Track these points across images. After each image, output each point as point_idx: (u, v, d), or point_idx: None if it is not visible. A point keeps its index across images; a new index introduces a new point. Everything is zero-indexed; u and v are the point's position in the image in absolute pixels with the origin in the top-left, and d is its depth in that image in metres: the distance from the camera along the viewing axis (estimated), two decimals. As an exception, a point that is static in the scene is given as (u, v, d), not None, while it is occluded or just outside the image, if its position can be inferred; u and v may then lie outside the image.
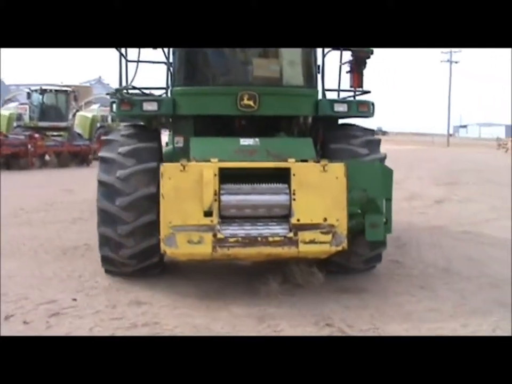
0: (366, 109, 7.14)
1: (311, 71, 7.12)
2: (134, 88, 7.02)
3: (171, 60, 7.08)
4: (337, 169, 5.86)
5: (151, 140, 6.76)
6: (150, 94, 7.54)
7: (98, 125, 30.42)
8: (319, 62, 7.19)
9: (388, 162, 6.76)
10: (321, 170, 5.83)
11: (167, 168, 5.66)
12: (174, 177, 5.61)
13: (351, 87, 7.38)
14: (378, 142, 7.11)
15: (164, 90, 7.64)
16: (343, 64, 7.35)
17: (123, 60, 6.76)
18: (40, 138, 24.07)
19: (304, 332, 5.26)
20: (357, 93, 7.56)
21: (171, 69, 7.05)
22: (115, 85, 7.56)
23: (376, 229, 6.08)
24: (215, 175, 5.65)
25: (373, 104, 7.19)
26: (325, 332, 5.29)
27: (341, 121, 7.59)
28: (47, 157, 24.94)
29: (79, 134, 27.71)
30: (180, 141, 6.96)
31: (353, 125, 7.38)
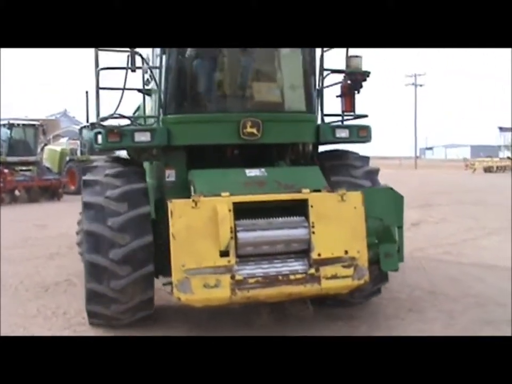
0: (366, 134, 6.84)
1: (311, 95, 6.66)
2: (122, 116, 6.33)
3: (162, 84, 6.23)
4: (355, 198, 5.55)
5: (141, 179, 6.19)
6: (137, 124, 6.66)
7: (67, 158, 30.11)
8: (317, 84, 6.80)
9: None
10: (339, 200, 5.50)
11: (176, 205, 5.14)
12: (185, 215, 5.11)
13: (342, 111, 7.02)
14: (377, 171, 6.82)
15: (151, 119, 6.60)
16: (336, 84, 6.99)
17: (101, 89, 6.15)
18: (10, 174, 23.74)
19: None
20: (348, 117, 7.13)
21: (161, 94, 6.24)
22: (81, 117, 7.26)
23: (391, 259, 5.81)
24: (230, 210, 5.21)
25: (370, 128, 6.91)
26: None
27: (332, 146, 7.25)
28: (17, 192, 24.57)
29: (48, 168, 27.37)
30: (171, 175, 6.31)
31: (349, 152, 6.99)
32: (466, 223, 14.58)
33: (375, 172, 6.74)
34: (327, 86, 6.93)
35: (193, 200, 5.15)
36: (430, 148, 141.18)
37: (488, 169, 48.07)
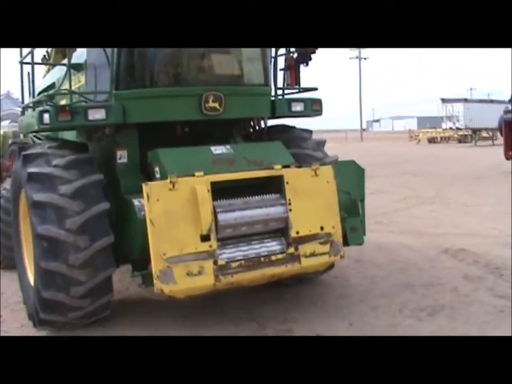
0: (319, 107, 6.77)
1: (267, 68, 6.42)
2: (73, 92, 5.71)
3: (115, 55, 5.56)
4: (327, 172, 5.41)
5: (95, 168, 5.53)
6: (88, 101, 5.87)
7: (10, 141, 29.61)
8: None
9: None
10: (312, 175, 5.34)
11: (153, 188, 4.75)
12: (162, 198, 4.74)
13: (287, 84, 6.89)
14: (324, 143, 6.85)
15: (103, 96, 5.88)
16: (283, 56, 6.83)
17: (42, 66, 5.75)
18: (-49, 159, 23.34)
19: (228, 331, 5.50)
20: (298, 90, 7.04)
21: (114, 66, 5.57)
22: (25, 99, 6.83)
23: (356, 233, 5.77)
24: (208, 190, 4.91)
25: (321, 102, 6.81)
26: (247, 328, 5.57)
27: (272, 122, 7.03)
28: (-42, 177, 24.19)
29: (-11, 152, 26.92)
30: (123, 156, 5.78)
31: (293, 127, 6.89)
32: (402, 193, 15.04)
33: (322, 143, 6.80)
34: (274, 58, 6.67)
35: (170, 182, 4.79)
36: (377, 120, 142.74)
37: (432, 140, 49.01)
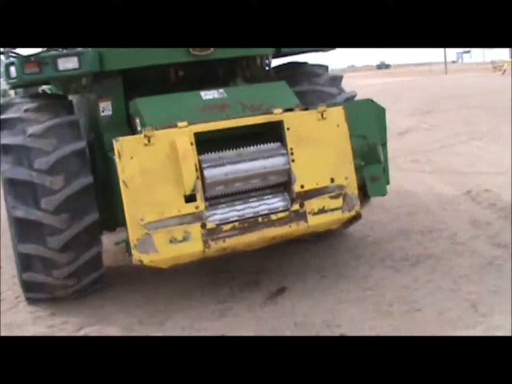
0: None
1: None
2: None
3: None
4: (337, 114, 4.65)
5: (70, 111, 5.24)
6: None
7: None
8: None
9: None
10: (319, 119, 4.59)
11: (125, 144, 4.15)
12: (137, 155, 4.14)
13: None
14: (340, 78, 6.11)
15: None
16: None
17: None
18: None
19: (200, 281, 5.29)
20: None
21: None
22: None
23: (378, 182, 5.08)
24: (192, 143, 4.27)
25: None
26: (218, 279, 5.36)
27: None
28: None
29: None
30: (106, 108, 5.21)
31: (304, 63, 6.17)
32: (456, 128, 14.16)
33: (338, 79, 6.04)
34: None
35: (145, 136, 4.15)
36: (468, 51, 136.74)
37: (520, 71, 46.29)
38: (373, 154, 5.00)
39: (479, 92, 26.52)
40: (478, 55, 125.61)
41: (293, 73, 5.83)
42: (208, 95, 4.86)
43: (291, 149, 4.52)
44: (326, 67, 6.15)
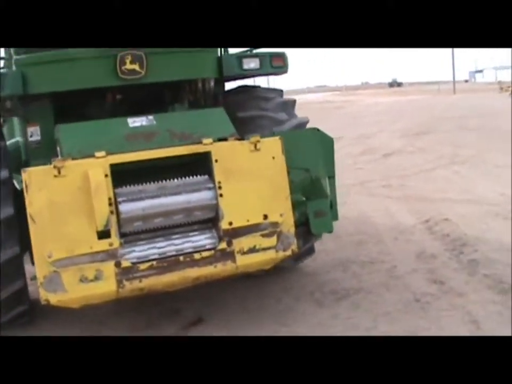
0: (282, 63, 5.49)
1: None
2: None
3: None
4: (273, 145, 4.31)
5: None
6: None
7: None
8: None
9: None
10: (251, 150, 4.26)
11: (33, 175, 3.83)
12: (46, 187, 3.84)
13: None
14: (293, 103, 5.72)
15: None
16: None
17: None
18: None
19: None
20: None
21: None
22: None
23: (323, 218, 4.63)
24: (107, 175, 3.95)
25: (286, 56, 5.55)
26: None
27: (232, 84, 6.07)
28: None
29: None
30: (35, 132, 4.92)
31: (256, 87, 5.85)
32: (442, 151, 13.99)
33: (290, 103, 5.66)
34: None
35: (54, 166, 3.84)
36: (481, 71, 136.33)
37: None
38: (317, 188, 4.60)
39: (480, 113, 26.35)
40: (491, 75, 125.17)
41: (243, 97, 5.49)
42: (136, 122, 4.53)
43: (219, 182, 4.17)
44: (280, 91, 5.85)
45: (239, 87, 5.95)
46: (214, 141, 4.28)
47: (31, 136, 4.92)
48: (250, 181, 4.22)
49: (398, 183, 10.40)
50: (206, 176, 4.23)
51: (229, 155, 4.22)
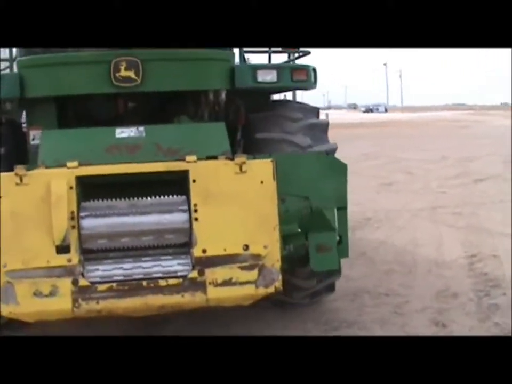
0: (304, 77, 5.02)
1: None
2: None
3: None
4: (262, 168, 3.86)
5: None
6: None
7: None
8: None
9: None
10: (236, 172, 3.83)
11: None
12: (9, 195, 3.69)
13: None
14: (325, 126, 5.17)
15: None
16: None
17: None
18: None
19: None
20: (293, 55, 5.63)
21: None
22: None
23: (326, 253, 4.08)
24: (71, 187, 3.72)
25: (314, 70, 5.12)
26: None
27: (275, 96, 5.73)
28: None
29: None
30: (36, 136, 4.70)
31: (290, 101, 5.56)
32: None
33: (320, 126, 5.08)
34: None
35: (16, 174, 3.67)
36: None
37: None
38: (319, 220, 4.03)
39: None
40: None
41: (265, 115, 4.98)
42: (124, 133, 4.33)
43: (195, 205, 3.77)
44: (315, 109, 5.33)
45: (275, 101, 5.60)
46: (199, 159, 3.88)
47: (33, 139, 4.77)
48: (231, 206, 3.80)
49: (470, 211, 9.86)
50: (184, 197, 3.85)
51: (209, 176, 3.81)
